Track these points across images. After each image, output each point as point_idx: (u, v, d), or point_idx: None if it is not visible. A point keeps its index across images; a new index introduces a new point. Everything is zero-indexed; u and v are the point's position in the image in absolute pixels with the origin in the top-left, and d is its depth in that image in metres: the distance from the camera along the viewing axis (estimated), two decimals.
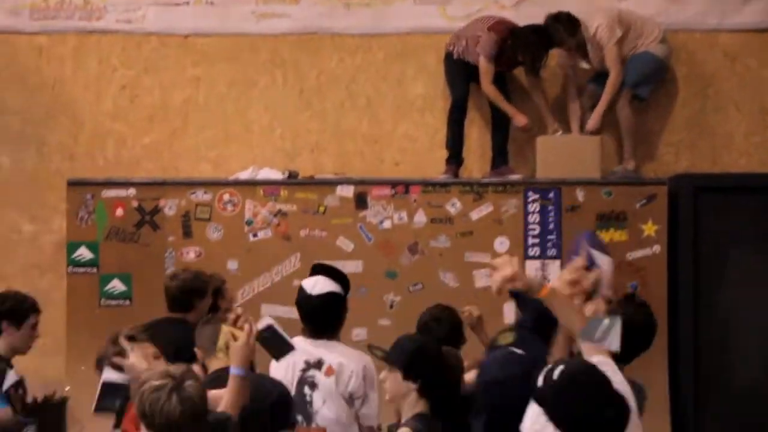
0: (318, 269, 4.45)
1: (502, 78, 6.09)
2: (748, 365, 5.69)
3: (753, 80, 6.45)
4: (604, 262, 3.62)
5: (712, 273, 5.82)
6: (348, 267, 5.76)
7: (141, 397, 2.81)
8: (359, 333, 5.41)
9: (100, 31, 6.58)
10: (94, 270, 5.99)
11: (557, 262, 5.77)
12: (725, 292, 5.87)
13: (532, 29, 5.95)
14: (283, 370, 4.19)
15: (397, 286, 5.62)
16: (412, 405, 3.41)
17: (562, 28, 5.96)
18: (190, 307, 4.62)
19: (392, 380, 3.51)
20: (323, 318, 4.34)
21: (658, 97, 6.40)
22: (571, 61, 6.14)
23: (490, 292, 5.68)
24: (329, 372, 4.30)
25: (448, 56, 6.10)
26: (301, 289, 4.37)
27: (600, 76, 6.10)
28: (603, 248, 3.74)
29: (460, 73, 6.03)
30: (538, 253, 5.77)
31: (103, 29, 6.57)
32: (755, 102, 6.40)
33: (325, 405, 4.23)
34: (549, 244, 5.84)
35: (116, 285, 6.01)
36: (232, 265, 5.94)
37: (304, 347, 4.24)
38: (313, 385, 4.31)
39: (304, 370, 4.29)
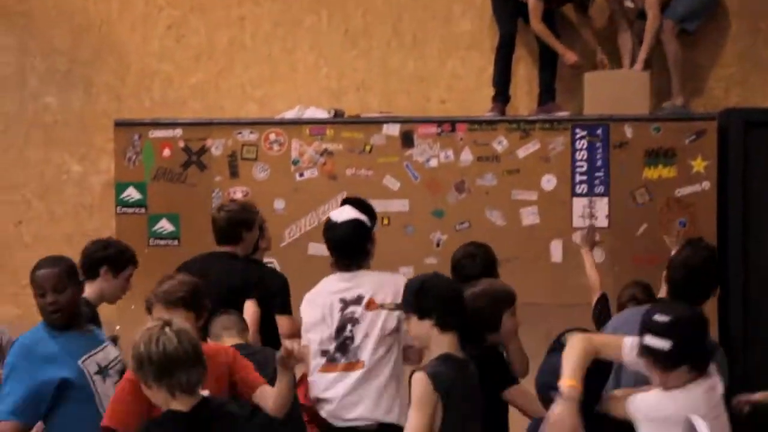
0: (346, 201, 4.46)
1: (551, 15, 5.96)
2: None
3: None
4: None
5: (762, 209, 5.69)
6: (394, 206, 5.89)
7: (134, 345, 2.75)
8: (406, 272, 5.30)
9: None
10: (143, 210, 6.00)
11: (605, 200, 5.70)
12: None
13: None
14: (320, 312, 4.21)
15: (444, 224, 5.58)
16: (439, 345, 3.32)
17: None
18: (238, 239, 4.57)
19: (412, 326, 3.43)
20: (349, 245, 4.29)
21: (707, 31, 6.24)
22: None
23: (536, 230, 5.65)
24: (370, 305, 4.23)
25: None
26: (328, 220, 4.36)
27: (642, 15, 5.95)
28: None
29: (507, 9, 5.92)
30: (585, 190, 5.68)
31: None
32: None
33: (368, 338, 4.19)
34: (596, 182, 5.73)
35: (164, 225, 6.03)
36: (279, 204, 5.92)
37: (338, 285, 4.24)
38: (355, 321, 4.25)
39: (343, 309, 4.25)
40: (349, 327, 4.23)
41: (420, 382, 3.15)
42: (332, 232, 4.28)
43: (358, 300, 4.20)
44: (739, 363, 5.29)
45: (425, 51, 6.34)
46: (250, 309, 4.47)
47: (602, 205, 5.71)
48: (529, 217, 5.74)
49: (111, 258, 4.22)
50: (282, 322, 4.69)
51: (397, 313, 4.03)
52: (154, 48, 6.60)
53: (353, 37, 6.46)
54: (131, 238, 5.83)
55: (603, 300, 4.92)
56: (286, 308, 4.79)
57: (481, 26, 6.30)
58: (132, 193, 6.01)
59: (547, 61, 5.99)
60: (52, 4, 6.51)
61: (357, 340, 4.16)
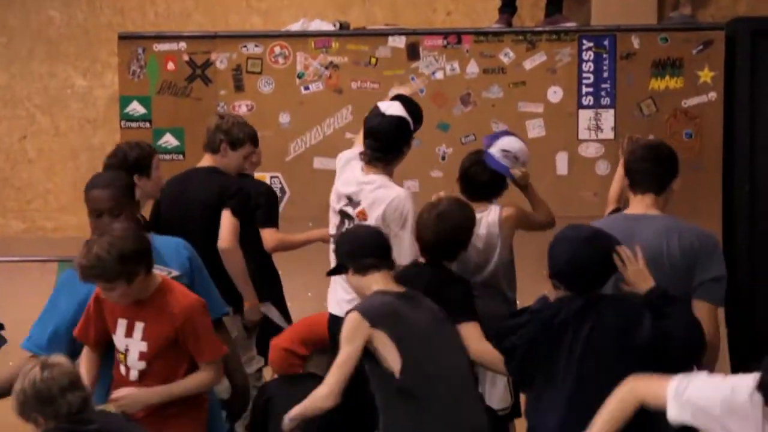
0: (398, 98, 4.33)
1: None
2: None
3: None
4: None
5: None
6: None
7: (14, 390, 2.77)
8: (412, 185, 5.37)
9: None
10: (147, 125, 6.02)
11: (611, 111, 5.70)
12: None
13: None
14: (335, 195, 4.23)
15: (449, 138, 5.58)
16: (369, 287, 3.38)
17: None
18: (217, 150, 4.52)
19: (351, 282, 3.50)
20: (386, 139, 4.16)
21: None
22: None
23: (543, 141, 5.69)
24: (361, 215, 4.21)
25: None
26: (375, 108, 4.22)
27: None
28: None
29: None
30: (591, 102, 5.68)
31: None
32: None
33: None
34: (603, 93, 5.73)
35: (169, 139, 6.03)
36: (284, 118, 5.93)
37: (354, 176, 4.20)
38: (350, 218, 4.27)
39: (346, 205, 4.26)
40: (346, 221, 4.30)
41: (348, 319, 3.22)
42: (375, 121, 4.17)
43: (356, 203, 4.19)
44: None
45: None
46: (225, 219, 4.38)
47: (608, 117, 5.71)
48: (535, 129, 5.77)
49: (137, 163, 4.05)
50: (265, 234, 4.63)
51: (378, 219, 4.08)
52: None
53: None
54: None
55: (615, 212, 4.85)
56: (270, 220, 4.70)
57: None
58: (136, 107, 6.02)
59: None
60: None
61: None
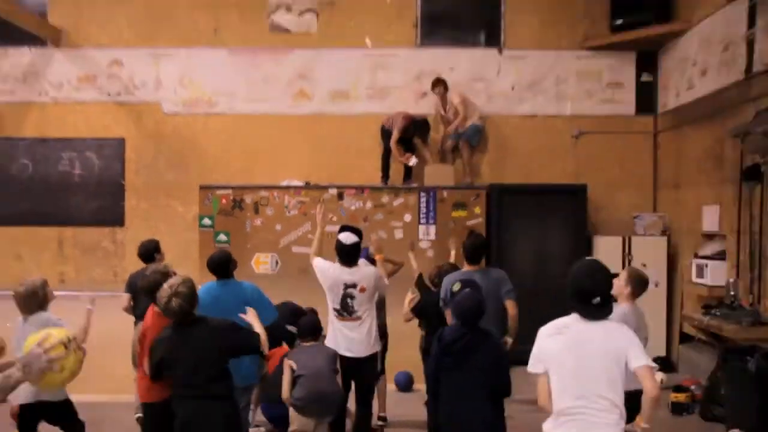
0: (344, 228, 6.06)
1: (408, 140, 9.97)
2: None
3: (527, 148, 10.21)
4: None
5: (504, 230, 9.55)
6: (334, 228, 8.06)
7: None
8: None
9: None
10: (212, 229, 9.68)
11: (434, 226, 9.64)
12: (512, 231, 9.49)
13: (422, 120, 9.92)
14: (332, 289, 5.82)
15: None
16: None
17: (440, 84, 9.91)
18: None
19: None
20: (354, 255, 5.88)
21: (482, 146, 10.36)
22: (439, 105, 9.96)
23: (402, 241, 9.43)
24: (362, 290, 5.89)
25: (383, 127, 9.98)
26: (338, 241, 5.90)
27: (453, 135, 10.07)
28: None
29: (386, 135, 9.98)
30: (424, 221, 9.66)
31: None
32: (526, 150, 10.21)
33: (360, 305, 5.87)
34: (430, 217, 9.67)
35: (222, 237, 9.71)
36: (278, 227, 9.64)
37: (343, 274, 5.84)
38: (353, 297, 5.88)
39: (345, 289, 5.86)
40: (349, 300, 5.88)
41: None
42: (343, 249, 5.83)
43: (354, 285, 5.86)
44: None
45: (347, 155, 10.26)
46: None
47: (432, 229, 9.72)
48: (398, 233, 9.64)
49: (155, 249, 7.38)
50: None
51: (371, 288, 5.80)
52: (219, 152, 10.51)
53: (319, 147, 10.34)
54: (206, 243, 9.37)
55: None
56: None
57: (377, 142, 10.14)
58: (206, 221, 9.75)
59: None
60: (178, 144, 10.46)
61: (355, 306, 5.90)
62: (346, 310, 5.83)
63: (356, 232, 6.03)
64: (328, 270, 5.86)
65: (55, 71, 10.77)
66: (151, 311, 5.09)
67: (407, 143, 9.98)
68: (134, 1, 10.73)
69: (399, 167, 10.28)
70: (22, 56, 10.81)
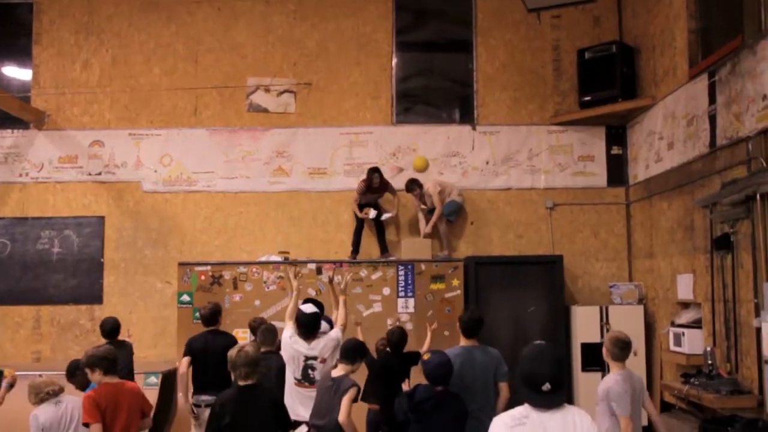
0: (307, 300, 6.45)
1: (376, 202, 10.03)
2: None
3: (503, 221, 10.31)
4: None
5: (483, 302, 9.42)
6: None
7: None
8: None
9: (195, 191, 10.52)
10: (191, 306, 9.51)
11: (412, 299, 9.54)
12: (490, 303, 9.35)
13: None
14: (292, 361, 5.88)
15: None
16: None
17: (414, 185, 10.08)
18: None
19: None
20: (312, 326, 5.95)
21: (459, 221, 10.34)
22: (418, 202, 10.24)
23: (380, 314, 9.36)
24: (322, 361, 6.01)
25: (357, 202, 10.01)
26: (299, 311, 6.07)
27: (431, 211, 10.12)
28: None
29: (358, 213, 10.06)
30: (403, 294, 9.59)
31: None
32: (501, 223, 10.25)
33: (319, 375, 5.90)
34: (408, 290, 9.61)
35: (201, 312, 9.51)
36: (257, 302, 9.52)
37: (303, 348, 5.92)
38: (314, 369, 5.96)
39: (305, 361, 5.98)
40: (310, 372, 5.97)
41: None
42: (304, 318, 5.92)
43: (314, 357, 5.97)
44: None
45: (326, 230, 10.36)
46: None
47: (411, 302, 9.60)
48: (377, 307, 9.51)
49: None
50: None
51: (330, 358, 5.83)
52: (198, 229, 10.43)
53: (297, 223, 10.38)
54: (184, 319, 9.24)
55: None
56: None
57: (351, 219, 10.22)
58: (185, 297, 9.64)
59: (381, 232, 10.05)
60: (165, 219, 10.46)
61: (316, 376, 5.97)
62: (307, 379, 5.88)
63: (317, 303, 6.21)
64: (290, 346, 5.93)
65: (37, 152, 10.78)
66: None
67: (375, 205, 10.13)
68: (117, 84, 10.84)
69: (373, 242, 10.26)
70: (3, 138, 10.85)
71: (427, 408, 4.92)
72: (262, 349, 5.93)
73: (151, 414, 5.37)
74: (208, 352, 6.85)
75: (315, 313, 6.00)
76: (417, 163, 10.52)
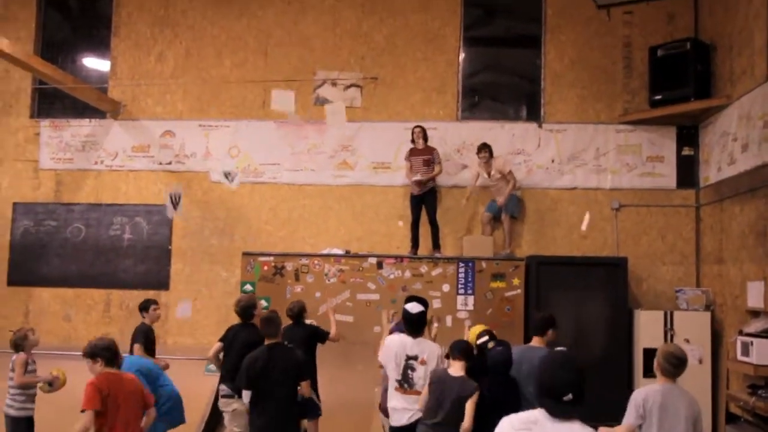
0: (411, 298, 6.03)
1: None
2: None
3: (567, 220, 10.00)
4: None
5: (543, 302, 9.13)
6: (371, 297, 9.10)
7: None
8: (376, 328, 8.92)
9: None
10: (253, 295, 9.22)
11: (472, 297, 9.33)
12: (551, 304, 8.98)
13: None
14: (393, 360, 5.67)
15: (395, 306, 8.68)
16: None
17: (486, 149, 9.66)
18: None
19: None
20: (419, 323, 5.80)
21: (522, 218, 10.14)
22: (480, 170, 9.72)
23: (441, 311, 9.16)
24: (422, 362, 5.76)
25: (411, 194, 9.78)
26: (405, 310, 5.89)
27: (491, 207, 9.89)
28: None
29: (414, 205, 9.79)
30: (463, 292, 9.40)
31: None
32: (565, 222, 9.98)
33: (419, 377, 5.72)
34: (468, 288, 9.38)
35: (263, 303, 9.06)
36: (318, 294, 9.42)
37: (407, 343, 5.72)
38: (413, 369, 5.77)
39: (407, 360, 5.77)
40: (409, 371, 5.78)
41: None
42: (410, 318, 5.76)
43: (415, 357, 5.76)
44: None
45: (388, 225, 10.21)
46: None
47: (470, 299, 9.42)
48: (436, 303, 9.26)
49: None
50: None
51: (432, 365, 5.67)
52: (263, 219, 10.43)
53: (360, 217, 10.27)
54: None
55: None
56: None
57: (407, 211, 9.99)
58: (248, 287, 9.59)
59: (435, 229, 9.74)
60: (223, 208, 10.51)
61: (415, 378, 5.77)
62: (406, 381, 5.68)
63: (422, 301, 5.96)
64: (393, 344, 5.78)
65: (112, 141, 10.95)
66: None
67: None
68: (189, 75, 10.92)
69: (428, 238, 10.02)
70: (81, 127, 11.05)
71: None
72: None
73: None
74: (233, 345, 6.95)
75: (421, 311, 5.86)
76: None
